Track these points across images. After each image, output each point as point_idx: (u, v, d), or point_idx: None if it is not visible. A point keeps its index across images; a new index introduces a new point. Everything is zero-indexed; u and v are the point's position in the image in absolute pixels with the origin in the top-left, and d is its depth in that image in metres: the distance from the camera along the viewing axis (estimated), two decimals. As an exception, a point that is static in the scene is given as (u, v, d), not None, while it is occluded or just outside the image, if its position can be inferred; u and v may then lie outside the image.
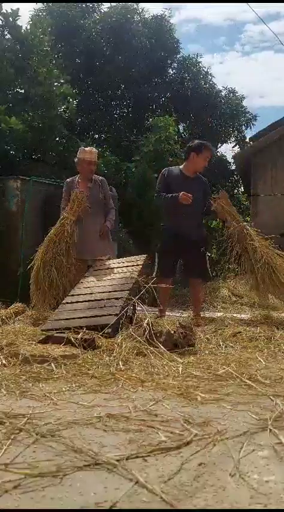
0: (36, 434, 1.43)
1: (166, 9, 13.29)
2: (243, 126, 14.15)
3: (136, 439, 1.42)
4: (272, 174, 10.08)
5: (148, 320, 2.99)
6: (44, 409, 1.73)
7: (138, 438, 1.43)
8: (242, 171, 12.17)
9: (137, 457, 1.28)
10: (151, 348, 2.70)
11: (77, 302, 3.69)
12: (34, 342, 2.91)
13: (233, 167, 13.98)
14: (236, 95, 14.10)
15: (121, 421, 1.59)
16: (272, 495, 1.07)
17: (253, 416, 1.63)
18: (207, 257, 4.57)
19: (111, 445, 1.37)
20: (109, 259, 4.48)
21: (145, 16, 13.11)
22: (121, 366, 2.39)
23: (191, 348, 2.89)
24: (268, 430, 1.48)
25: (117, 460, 1.24)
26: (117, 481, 1.14)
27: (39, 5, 12.07)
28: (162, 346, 2.74)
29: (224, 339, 3.26)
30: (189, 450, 1.33)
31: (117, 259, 4.58)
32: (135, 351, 2.69)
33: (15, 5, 9.92)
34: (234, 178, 14.65)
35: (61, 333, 2.98)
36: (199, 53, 15.15)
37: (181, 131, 13.11)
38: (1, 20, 7.74)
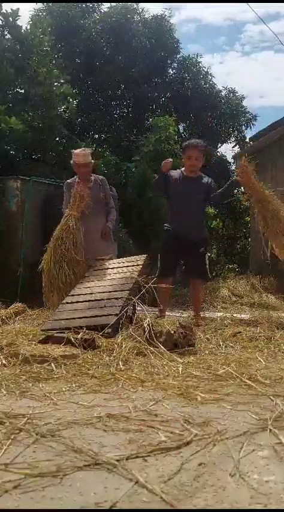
0: (36, 434, 1.43)
1: (166, 9, 13.30)
2: (243, 126, 14.15)
3: (136, 439, 1.42)
4: (272, 174, 10.08)
5: (148, 320, 2.99)
6: (44, 409, 1.73)
7: (138, 438, 1.43)
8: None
9: (137, 457, 1.28)
10: (151, 348, 2.70)
11: (77, 302, 3.69)
12: (34, 342, 2.91)
13: (234, 167, 13.98)
14: (236, 95, 14.10)
15: (121, 421, 1.59)
16: (272, 495, 1.07)
17: (253, 416, 1.63)
18: (207, 257, 4.56)
19: (111, 445, 1.37)
20: (111, 258, 4.48)
21: (145, 16, 13.12)
22: (121, 366, 2.39)
23: (191, 348, 2.89)
24: (268, 430, 1.48)
25: (117, 460, 1.24)
26: (117, 481, 1.14)
27: (39, 5, 12.08)
28: (162, 346, 2.74)
29: (224, 339, 3.26)
30: (189, 450, 1.33)
31: (117, 259, 4.58)
32: (135, 351, 2.69)
33: (15, 5, 9.91)
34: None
35: (61, 333, 2.98)
36: (199, 53, 15.15)
37: (181, 131, 13.11)
38: (1, 20, 7.74)
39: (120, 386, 2.07)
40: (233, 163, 13.34)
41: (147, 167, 9.12)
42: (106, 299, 3.55)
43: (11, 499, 1.05)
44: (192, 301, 4.95)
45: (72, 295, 3.86)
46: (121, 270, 4.08)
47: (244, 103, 14.21)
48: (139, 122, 12.80)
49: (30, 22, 8.75)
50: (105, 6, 13.07)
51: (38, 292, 4.47)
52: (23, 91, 8.05)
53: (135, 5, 12.88)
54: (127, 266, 4.10)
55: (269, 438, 1.42)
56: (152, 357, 2.58)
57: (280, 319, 4.25)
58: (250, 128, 14.17)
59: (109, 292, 3.68)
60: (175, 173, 4.59)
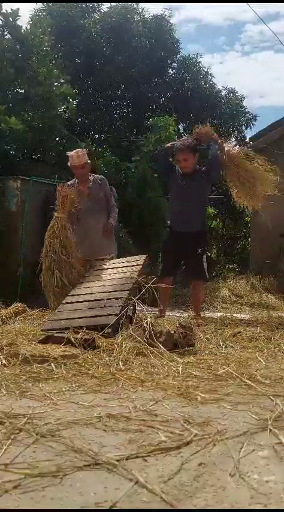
0: (36, 434, 1.43)
1: (166, 9, 13.29)
2: (243, 126, 14.15)
3: (136, 439, 1.42)
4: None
5: (148, 320, 2.99)
6: (44, 409, 1.73)
7: (138, 438, 1.43)
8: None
9: (137, 457, 1.28)
10: (151, 348, 2.70)
11: (77, 302, 3.69)
12: (34, 342, 2.91)
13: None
14: (236, 95, 14.11)
15: (121, 421, 1.59)
16: (272, 495, 1.07)
17: (253, 416, 1.63)
18: (204, 258, 4.56)
19: (111, 445, 1.37)
20: (112, 258, 4.48)
21: (145, 16, 13.11)
22: (121, 366, 2.39)
23: (191, 348, 2.89)
24: (268, 430, 1.48)
25: (117, 460, 1.24)
26: (117, 481, 1.14)
27: (39, 5, 12.07)
28: (162, 346, 2.74)
29: (224, 339, 3.26)
30: (189, 450, 1.33)
31: (117, 259, 4.58)
32: (135, 351, 2.69)
33: (15, 5, 9.88)
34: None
35: (61, 333, 2.98)
36: (199, 53, 15.11)
37: (181, 131, 13.10)
38: (1, 20, 7.73)
39: (120, 386, 2.07)
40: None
41: (147, 167, 9.12)
42: (106, 299, 3.55)
43: (11, 499, 1.05)
44: (192, 301, 4.95)
45: (72, 295, 3.86)
46: (121, 270, 4.08)
47: (244, 103, 14.23)
48: (139, 122, 12.79)
49: (30, 22, 8.74)
50: (105, 6, 13.08)
51: (38, 292, 4.46)
52: (23, 91, 8.04)
53: (135, 5, 12.88)
54: (127, 266, 4.10)
55: (269, 438, 1.42)
56: (152, 357, 2.58)
57: (280, 319, 4.25)
58: (250, 127, 14.18)
59: (109, 292, 3.68)
60: (177, 171, 4.60)
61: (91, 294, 3.75)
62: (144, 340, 2.81)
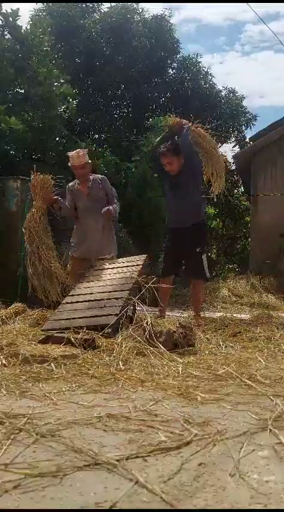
0: (36, 434, 1.43)
1: (166, 9, 13.31)
2: (243, 126, 14.16)
3: (136, 439, 1.42)
4: (272, 174, 10.09)
5: (148, 320, 2.99)
6: (44, 409, 1.73)
7: (138, 438, 1.43)
8: (242, 171, 12.17)
9: (137, 457, 1.28)
10: (151, 348, 2.70)
11: (77, 302, 3.69)
12: (34, 342, 2.91)
13: (233, 167, 13.99)
14: (236, 95, 14.11)
15: (121, 421, 1.59)
16: (272, 495, 1.07)
17: (253, 416, 1.63)
18: (204, 257, 4.55)
19: (111, 445, 1.37)
20: (112, 258, 4.48)
21: (145, 16, 13.12)
22: (121, 366, 2.39)
23: (191, 348, 2.89)
24: (268, 430, 1.48)
25: (117, 460, 1.24)
26: (117, 481, 1.14)
27: (39, 5, 12.08)
28: (162, 346, 2.74)
29: (224, 339, 3.26)
30: (189, 450, 1.33)
31: (117, 259, 4.58)
32: (135, 351, 2.69)
33: (15, 5, 9.92)
34: (234, 178, 14.66)
35: (61, 333, 2.98)
36: (199, 53, 15.16)
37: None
38: (1, 20, 7.74)
39: (120, 386, 2.07)
40: (233, 163, 13.34)
41: (147, 167, 9.12)
42: (106, 299, 3.55)
43: (11, 499, 1.05)
44: (192, 301, 4.95)
45: (72, 295, 3.86)
46: (121, 270, 4.08)
47: (244, 103, 14.25)
48: (139, 122, 12.80)
49: (30, 22, 8.75)
50: (105, 6, 13.08)
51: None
52: (23, 91, 8.04)
53: (135, 5, 12.89)
54: (127, 266, 4.10)
55: (269, 438, 1.42)
56: (152, 357, 2.58)
57: (280, 319, 4.25)
58: (250, 127, 14.19)
59: (109, 292, 3.68)
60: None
61: (91, 294, 3.75)
62: (144, 340, 2.81)
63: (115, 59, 12.33)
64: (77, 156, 4.64)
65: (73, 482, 1.13)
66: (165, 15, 13.10)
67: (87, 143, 8.81)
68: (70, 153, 4.74)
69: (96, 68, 12.45)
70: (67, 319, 3.39)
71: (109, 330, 3.07)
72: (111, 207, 4.62)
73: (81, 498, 1.06)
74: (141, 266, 3.97)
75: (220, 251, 15.35)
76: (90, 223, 4.60)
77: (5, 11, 7.65)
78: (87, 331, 2.97)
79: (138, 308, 3.51)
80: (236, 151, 13.07)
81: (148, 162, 9.17)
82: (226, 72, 47.32)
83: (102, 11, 13.13)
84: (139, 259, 4.17)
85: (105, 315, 3.29)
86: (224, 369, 2.31)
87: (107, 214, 4.54)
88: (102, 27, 12.37)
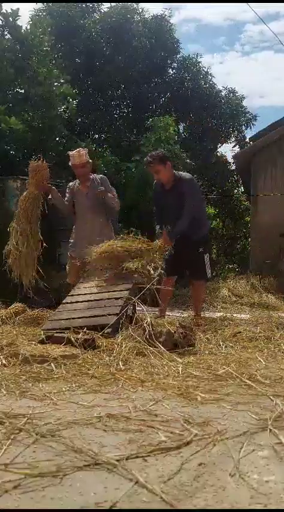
0: (36, 434, 1.43)
1: (166, 9, 13.27)
2: (243, 126, 14.13)
3: (136, 439, 1.42)
4: (272, 174, 10.08)
5: (148, 320, 2.99)
6: (44, 409, 1.73)
7: (138, 438, 1.43)
8: (242, 171, 12.17)
9: (137, 457, 1.29)
10: (151, 348, 2.70)
11: (77, 302, 3.69)
12: (34, 342, 2.91)
13: (233, 167, 14.00)
14: (236, 95, 14.08)
15: (121, 421, 1.59)
16: (272, 495, 1.07)
17: (253, 416, 1.63)
18: (206, 257, 4.54)
19: (111, 445, 1.37)
20: None
21: (145, 16, 13.08)
22: (121, 366, 2.39)
23: (191, 348, 2.89)
24: (268, 430, 1.48)
25: (117, 460, 1.24)
26: (117, 481, 1.14)
27: (39, 5, 12.06)
28: (161, 346, 2.74)
29: (224, 339, 3.26)
30: (189, 450, 1.33)
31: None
32: (135, 351, 2.69)
33: (15, 5, 9.89)
34: (234, 178, 14.67)
35: (61, 332, 2.98)
36: (199, 53, 15.05)
37: (181, 131, 13.10)
38: (1, 20, 7.74)
39: (120, 386, 2.08)
40: (233, 163, 13.34)
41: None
42: (106, 299, 3.56)
43: (11, 499, 1.05)
44: (193, 301, 4.94)
45: (72, 295, 3.86)
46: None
47: (244, 103, 14.21)
48: (139, 122, 12.78)
49: (30, 22, 8.74)
50: (105, 6, 13.06)
51: (38, 292, 4.46)
52: (23, 91, 8.04)
53: (135, 5, 12.87)
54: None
55: (269, 438, 1.42)
56: (152, 357, 2.58)
57: (280, 319, 4.24)
58: (250, 128, 14.17)
59: (109, 292, 3.68)
60: (158, 186, 4.50)
61: (91, 294, 3.75)
62: (144, 340, 2.81)
63: (115, 59, 12.32)
64: (78, 155, 4.65)
65: (73, 482, 1.13)
66: (165, 15, 13.09)
67: (87, 143, 8.80)
68: (71, 152, 4.75)
69: (96, 68, 12.44)
70: (67, 319, 3.39)
71: (109, 330, 3.07)
72: (108, 193, 4.61)
73: (81, 498, 1.06)
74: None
75: (220, 251, 15.35)
76: (89, 223, 4.60)
77: (5, 11, 7.65)
78: (87, 331, 2.97)
79: (138, 308, 3.51)
80: (236, 151, 13.06)
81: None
82: (226, 72, 47.34)
83: (102, 11, 13.12)
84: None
85: (105, 315, 3.29)
86: (224, 369, 2.31)
87: (99, 192, 4.53)
88: (102, 27, 12.36)
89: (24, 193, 4.51)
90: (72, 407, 1.76)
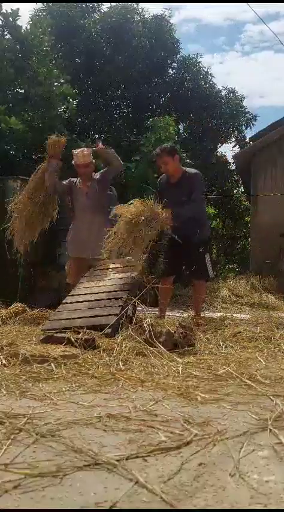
0: (36, 434, 1.43)
1: (166, 9, 13.29)
2: (243, 126, 14.15)
3: (136, 439, 1.42)
4: (272, 174, 10.09)
5: (148, 320, 2.99)
6: (44, 409, 1.73)
7: (138, 438, 1.43)
8: (242, 171, 12.17)
9: (137, 457, 1.28)
10: (151, 348, 2.70)
11: (77, 302, 3.69)
12: (34, 342, 2.91)
13: (233, 167, 14.00)
14: (236, 95, 14.10)
15: (121, 421, 1.59)
16: (272, 495, 1.07)
17: (253, 416, 1.63)
18: (207, 257, 4.53)
19: (111, 445, 1.37)
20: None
21: (145, 16, 13.10)
22: (121, 366, 2.39)
23: (191, 348, 2.89)
24: (268, 430, 1.48)
25: (117, 460, 1.24)
26: (117, 481, 1.14)
27: (39, 5, 12.07)
28: (162, 346, 2.74)
29: (224, 339, 3.26)
30: (189, 450, 1.33)
31: (117, 260, 4.57)
32: (135, 351, 2.69)
33: (15, 5, 9.91)
34: (234, 178, 14.67)
35: (61, 332, 2.98)
36: (199, 53, 15.11)
37: (181, 131, 13.10)
38: (1, 20, 7.75)
39: (120, 386, 2.07)
40: (233, 163, 13.34)
41: (147, 167, 9.11)
42: (106, 299, 3.56)
43: (11, 499, 1.05)
44: (193, 301, 4.94)
45: (72, 295, 3.86)
46: (121, 270, 4.07)
47: (244, 103, 14.23)
48: (139, 122, 12.78)
49: (30, 22, 8.75)
50: (105, 6, 13.08)
51: (38, 292, 4.47)
52: (23, 91, 8.05)
53: (135, 5, 12.88)
54: (127, 266, 4.10)
55: (269, 438, 1.42)
56: (152, 357, 2.58)
57: (280, 319, 4.24)
58: (250, 127, 14.19)
59: (109, 292, 3.68)
60: (163, 180, 4.52)
61: (91, 294, 3.75)
62: (144, 340, 2.81)
63: (115, 59, 12.32)
64: (82, 154, 4.65)
65: (73, 482, 1.13)
66: (165, 15, 13.10)
67: (87, 143, 8.80)
68: (75, 151, 4.75)
69: (96, 68, 12.45)
70: (67, 319, 3.39)
71: (109, 330, 3.07)
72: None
73: (81, 498, 1.06)
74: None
75: (220, 251, 15.36)
76: (87, 223, 4.60)
77: (5, 11, 7.66)
78: (87, 331, 2.97)
79: (138, 308, 3.51)
80: (236, 151, 13.07)
81: (148, 162, 9.17)
82: (226, 72, 47.40)
83: (102, 11, 13.13)
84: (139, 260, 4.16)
85: (105, 315, 3.29)
86: (224, 369, 2.31)
87: (100, 147, 4.73)
88: (102, 27, 12.36)
89: (38, 172, 4.67)
90: (72, 407, 1.76)
